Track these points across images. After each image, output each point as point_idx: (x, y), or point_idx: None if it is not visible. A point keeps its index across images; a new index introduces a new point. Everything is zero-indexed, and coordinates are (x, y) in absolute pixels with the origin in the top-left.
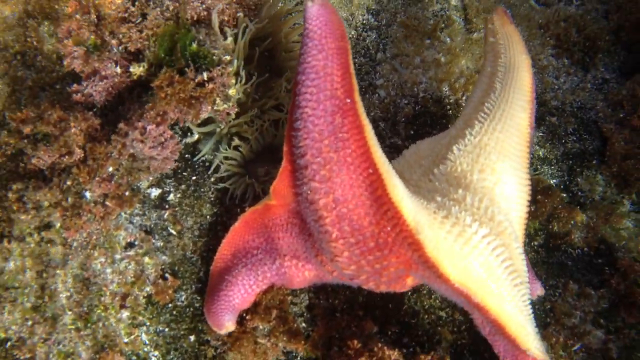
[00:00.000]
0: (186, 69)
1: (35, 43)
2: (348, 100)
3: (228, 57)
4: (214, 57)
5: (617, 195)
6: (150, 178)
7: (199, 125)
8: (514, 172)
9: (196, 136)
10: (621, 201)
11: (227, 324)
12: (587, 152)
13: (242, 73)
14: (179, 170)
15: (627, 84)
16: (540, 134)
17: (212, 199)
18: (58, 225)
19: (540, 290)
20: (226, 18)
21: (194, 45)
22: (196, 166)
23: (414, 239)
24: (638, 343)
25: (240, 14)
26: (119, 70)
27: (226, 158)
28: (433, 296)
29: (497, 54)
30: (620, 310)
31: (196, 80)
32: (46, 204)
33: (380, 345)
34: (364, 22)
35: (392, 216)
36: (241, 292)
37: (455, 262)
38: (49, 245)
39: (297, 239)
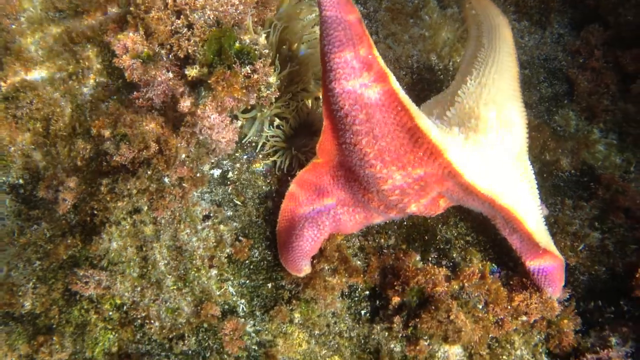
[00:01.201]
0: (233, 65)
1: (87, 63)
2: (370, 56)
3: (267, 51)
4: (256, 52)
5: (588, 126)
6: (213, 161)
7: (242, 112)
8: (512, 101)
9: (240, 122)
10: (592, 130)
11: (305, 268)
12: (559, 94)
13: (277, 63)
14: (232, 152)
15: (581, 34)
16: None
17: (263, 172)
18: (146, 208)
19: (545, 211)
20: (256, 19)
21: (237, 44)
22: (245, 147)
23: (442, 157)
24: (628, 238)
25: (269, 15)
26: (170, 75)
27: (270, 137)
28: (459, 225)
29: (479, 22)
30: (610, 214)
31: (243, 73)
32: (135, 191)
33: (430, 265)
34: None
35: (422, 142)
36: (309, 242)
37: (479, 172)
38: (142, 225)
39: (344, 188)
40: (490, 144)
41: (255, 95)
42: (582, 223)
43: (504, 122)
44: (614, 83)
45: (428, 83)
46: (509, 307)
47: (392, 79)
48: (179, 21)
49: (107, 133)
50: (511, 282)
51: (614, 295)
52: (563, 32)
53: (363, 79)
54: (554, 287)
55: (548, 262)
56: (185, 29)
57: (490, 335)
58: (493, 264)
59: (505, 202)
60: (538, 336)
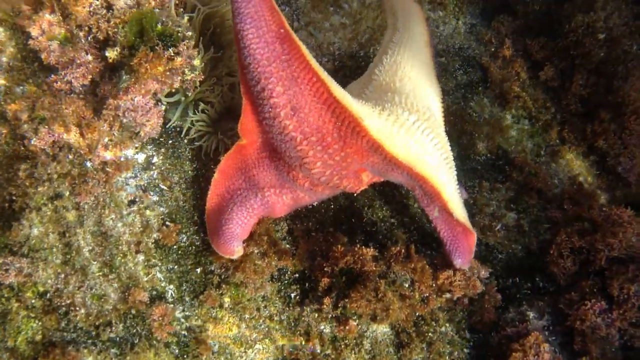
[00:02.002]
0: (156, 47)
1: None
2: (282, 30)
3: (190, 33)
4: (179, 34)
5: (501, 112)
6: (137, 145)
7: (166, 97)
8: (426, 77)
9: (163, 106)
10: (505, 116)
11: (237, 249)
12: (474, 82)
13: (201, 46)
14: (157, 137)
15: (492, 25)
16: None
17: (189, 157)
18: (67, 193)
19: (464, 194)
20: (177, 2)
21: (160, 26)
22: (170, 131)
23: (360, 126)
24: (541, 217)
25: None
26: (90, 57)
27: (195, 121)
28: (384, 208)
29: (395, 11)
30: (524, 196)
31: (166, 55)
32: (55, 176)
33: (358, 246)
34: None
35: (339, 112)
36: (239, 225)
37: (396, 142)
38: (64, 210)
39: (270, 169)
40: (406, 116)
41: (179, 78)
42: (498, 204)
43: (419, 95)
44: (524, 70)
45: (350, 70)
46: (434, 285)
47: (306, 51)
48: (97, 2)
49: (24, 116)
50: (435, 262)
51: (530, 272)
52: (475, 22)
53: (277, 52)
54: (463, 258)
55: (460, 234)
56: (105, 10)
57: (416, 314)
58: None
59: (423, 170)
60: (461, 313)
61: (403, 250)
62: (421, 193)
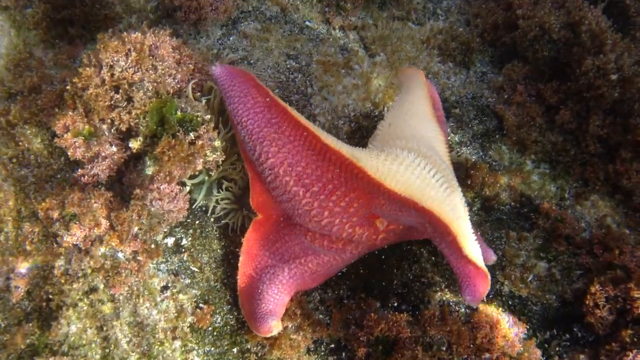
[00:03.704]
0: (177, 134)
1: (26, 145)
2: (268, 99)
3: (209, 116)
4: (198, 119)
5: (520, 158)
6: (165, 230)
7: (190, 178)
8: (427, 123)
9: (188, 188)
10: (525, 162)
11: (274, 326)
12: (490, 130)
13: (220, 126)
14: (183, 219)
15: (503, 71)
16: (451, 124)
17: (217, 235)
18: (102, 286)
19: (493, 256)
20: (193, 86)
21: (179, 113)
22: (196, 212)
23: (357, 168)
24: (572, 264)
25: (209, 82)
26: (114, 149)
27: (220, 200)
28: (413, 268)
29: (401, 78)
30: (552, 243)
31: (188, 140)
32: (89, 270)
33: (391, 312)
34: (289, 66)
35: (335, 158)
36: (272, 302)
37: (397, 179)
38: (100, 304)
39: (291, 238)
40: (406, 154)
41: (201, 160)
42: (528, 254)
43: (420, 138)
44: (539, 115)
45: (367, 130)
46: (472, 345)
47: (293, 111)
48: (117, 95)
49: (55, 214)
50: (472, 320)
51: (566, 322)
52: (485, 70)
53: (266, 118)
54: (472, 296)
55: (472, 272)
56: (125, 103)
57: None
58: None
59: (427, 204)
60: None
61: (437, 313)
62: (432, 231)
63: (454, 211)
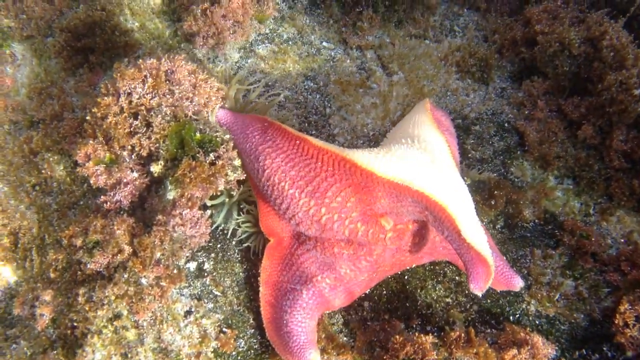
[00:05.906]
0: (197, 155)
1: (49, 173)
2: (265, 123)
3: (228, 136)
4: (217, 139)
5: (543, 174)
6: (187, 255)
7: (210, 199)
8: (429, 128)
9: (209, 211)
10: (547, 178)
11: (312, 357)
12: (511, 147)
13: None
14: (205, 243)
15: (523, 87)
16: (472, 140)
17: (239, 258)
18: (126, 312)
19: (521, 283)
20: (211, 109)
21: (198, 135)
22: (217, 235)
23: (349, 162)
24: (599, 282)
25: (226, 104)
26: (136, 174)
27: (241, 223)
28: (437, 288)
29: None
30: (578, 260)
31: (208, 161)
32: (113, 297)
33: (417, 334)
34: (306, 87)
35: (327, 158)
36: (301, 332)
37: (389, 166)
38: (124, 330)
39: (304, 256)
40: (404, 148)
41: (222, 180)
42: (554, 272)
43: (421, 136)
44: (560, 130)
45: None
46: None
47: (287, 127)
48: (137, 122)
49: (78, 242)
50: (498, 341)
51: (595, 341)
52: (505, 86)
53: (262, 138)
54: (476, 284)
55: (475, 259)
56: (145, 128)
57: None
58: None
59: (422, 188)
60: None
61: (463, 334)
62: (433, 220)
63: (453, 198)
